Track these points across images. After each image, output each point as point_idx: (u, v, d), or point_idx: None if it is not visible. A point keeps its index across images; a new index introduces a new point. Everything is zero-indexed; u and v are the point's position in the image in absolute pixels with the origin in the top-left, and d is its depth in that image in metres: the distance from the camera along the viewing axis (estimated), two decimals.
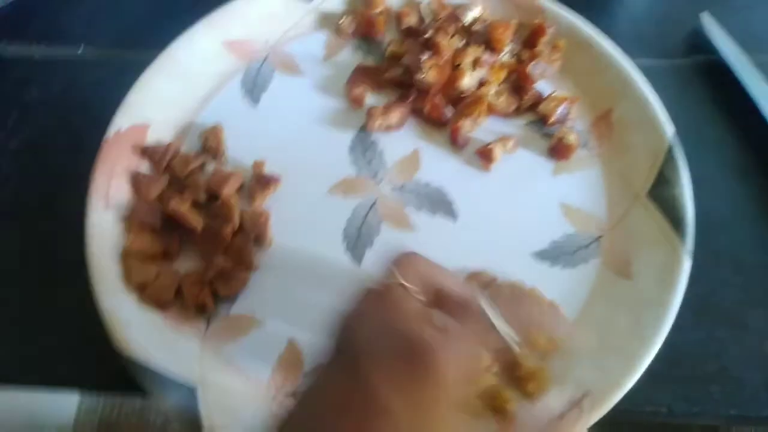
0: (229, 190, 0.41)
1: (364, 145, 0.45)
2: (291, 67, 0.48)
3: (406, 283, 0.30)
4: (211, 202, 0.42)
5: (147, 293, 0.38)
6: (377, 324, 0.28)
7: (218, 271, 0.39)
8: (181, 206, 0.40)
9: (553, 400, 0.36)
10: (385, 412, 0.25)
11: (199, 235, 0.40)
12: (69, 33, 0.53)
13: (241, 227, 0.41)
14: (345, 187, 0.44)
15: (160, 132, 0.44)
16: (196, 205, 0.41)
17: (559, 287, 0.40)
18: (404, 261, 0.32)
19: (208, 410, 0.35)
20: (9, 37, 0.52)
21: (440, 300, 0.30)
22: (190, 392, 0.36)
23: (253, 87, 0.47)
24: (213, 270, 0.39)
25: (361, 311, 0.30)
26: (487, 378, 0.36)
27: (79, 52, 0.51)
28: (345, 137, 0.46)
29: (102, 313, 0.37)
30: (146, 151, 0.43)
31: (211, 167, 0.44)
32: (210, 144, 0.43)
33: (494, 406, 0.36)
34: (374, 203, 0.43)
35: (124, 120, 0.43)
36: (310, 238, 0.42)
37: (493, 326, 0.31)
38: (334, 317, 0.30)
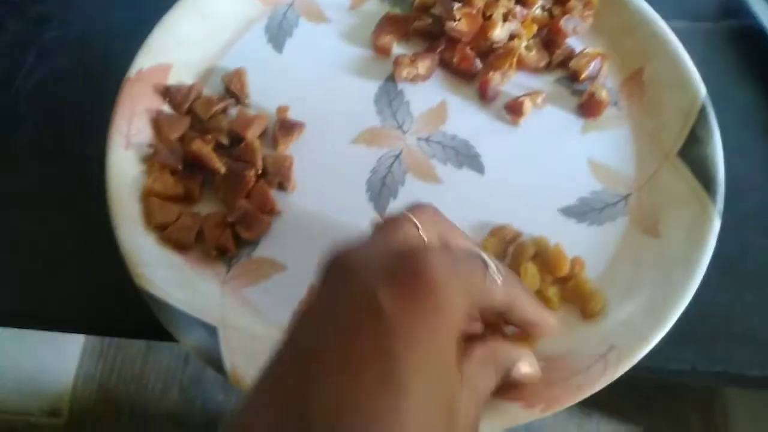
0: (253, 133, 0.40)
1: (390, 95, 0.44)
2: (317, 15, 0.47)
3: (418, 225, 0.29)
4: (234, 146, 0.41)
5: (168, 234, 0.38)
6: (382, 247, 0.27)
7: (241, 214, 0.38)
8: (204, 148, 0.39)
9: (580, 353, 0.35)
10: (395, 332, 0.24)
11: (222, 178, 0.39)
12: None
13: (264, 171, 0.40)
14: (369, 136, 0.43)
15: (183, 74, 0.43)
16: (219, 147, 0.40)
17: (585, 244, 0.40)
18: (421, 208, 0.31)
19: (229, 352, 0.35)
20: None
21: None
22: (212, 333, 0.35)
23: (278, 33, 0.46)
24: (235, 213, 0.38)
25: (368, 239, 0.28)
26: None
27: None
28: (370, 87, 0.45)
29: (123, 252, 0.37)
30: (168, 92, 0.42)
31: (234, 111, 0.43)
32: (234, 87, 0.42)
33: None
34: (399, 154, 0.42)
35: (146, 60, 0.42)
36: (332, 186, 0.41)
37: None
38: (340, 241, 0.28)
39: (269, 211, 0.39)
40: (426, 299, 0.24)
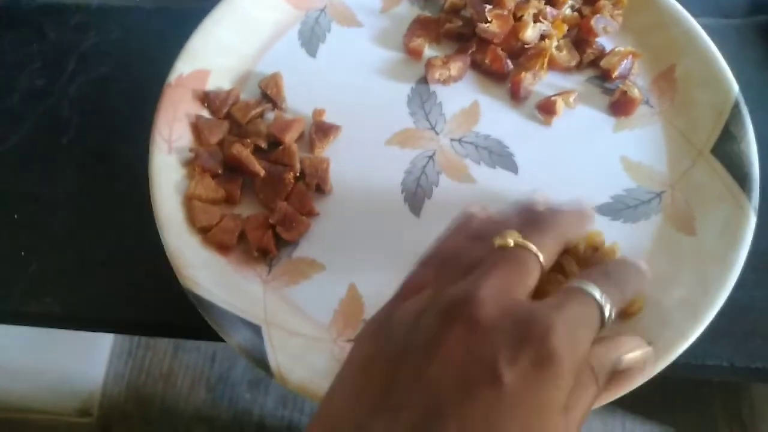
0: (291, 137, 0.41)
1: (422, 96, 0.45)
2: (349, 19, 0.48)
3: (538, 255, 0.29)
4: (272, 149, 0.42)
5: (211, 236, 0.39)
6: (507, 301, 0.26)
7: (281, 216, 0.39)
8: (243, 152, 0.40)
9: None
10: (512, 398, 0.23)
11: (261, 180, 0.40)
12: None
13: (301, 174, 0.41)
14: (403, 138, 0.44)
15: (220, 79, 0.44)
16: (257, 151, 0.41)
17: (620, 241, 0.39)
18: (534, 221, 0.31)
19: (273, 351, 0.36)
20: None
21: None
22: (257, 332, 0.36)
23: (311, 37, 0.47)
24: (276, 215, 0.39)
25: (492, 276, 0.27)
26: None
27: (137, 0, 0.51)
28: (403, 89, 0.45)
29: (169, 254, 0.38)
30: (207, 97, 0.43)
31: (271, 115, 0.44)
32: (270, 91, 0.43)
33: None
34: (433, 155, 0.43)
35: (185, 65, 0.43)
36: (367, 187, 0.42)
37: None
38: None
39: (308, 212, 0.40)
40: (545, 372, 0.24)
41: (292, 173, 0.40)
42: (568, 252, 0.39)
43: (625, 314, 0.37)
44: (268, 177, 0.40)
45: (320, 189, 0.41)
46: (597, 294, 0.27)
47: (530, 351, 0.24)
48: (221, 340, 0.36)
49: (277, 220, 0.39)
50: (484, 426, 0.23)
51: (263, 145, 0.41)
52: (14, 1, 0.52)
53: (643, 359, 0.30)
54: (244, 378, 1.15)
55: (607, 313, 0.27)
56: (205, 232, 0.39)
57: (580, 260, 0.39)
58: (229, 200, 0.41)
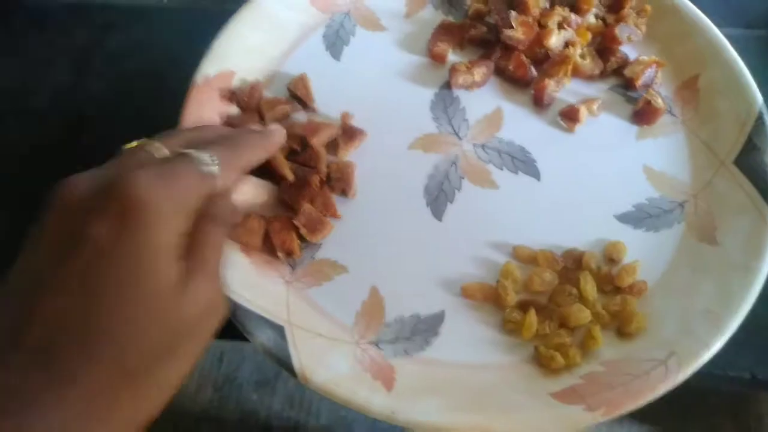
0: (319, 140, 0.41)
1: (445, 101, 0.45)
2: (373, 23, 0.48)
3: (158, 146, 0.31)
4: (300, 150, 0.42)
5: (235, 235, 0.39)
6: (103, 174, 0.28)
7: (306, 218, 0.39)
8: (279, 157, 0.40)
9: (639, 358, 0.36)
10: (95, 249, 0.25)
11: (286, 182, 0.40)
12: None
13: (327, 177, 0.41)
14: (426, 142, 0.44)
15: (246, 79, 0.45)
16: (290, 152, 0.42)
17: (642, 250, 0.40)
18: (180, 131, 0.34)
19: (297, 351, 0.36)
20: None
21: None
22: (280, 333, 0.36)
23: (335, 41, 0.48)
24: (302, 217, 0.39)
25: (101, 167, 0.29)
26: (583, 315, 0.37)
27: (164, 0, 0.52)
28: (427, 93, 0.46)
29: None
30: (234, 95, 0.43)
31: (299, 116, 0.44)
32: (300, 92, 0.43)
33: (582, 343, 0.37)
34: (456, 160, 0.43)
35: (211, 67, 0.43)
36: (390, 191, 0.42)
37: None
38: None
39: (332, 215, 0.40)
40: (132, 218, 0.26)
41: (318, 176, 0.40)
42: (583, 265, 0.39)
43: (624, 334, 0.37)
44: (294, 179, 0.40)
45: (344, 193, 0.41)
46: (199, 154, 0.30)
47: (115, 205, 0.26)
48: (233, 338, 0.36)
49: (303, 223, 0.39)
50: (79, 282, 0.25)
51: (297, 147, 0.42)
52: (40, 0, 0.52)
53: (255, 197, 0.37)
54: (251, 378, 1.15)
55: (213, 170, 0.30)
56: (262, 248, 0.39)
57: (596, 273, 0.39)
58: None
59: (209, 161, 0.30)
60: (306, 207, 0.39)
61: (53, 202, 0.27)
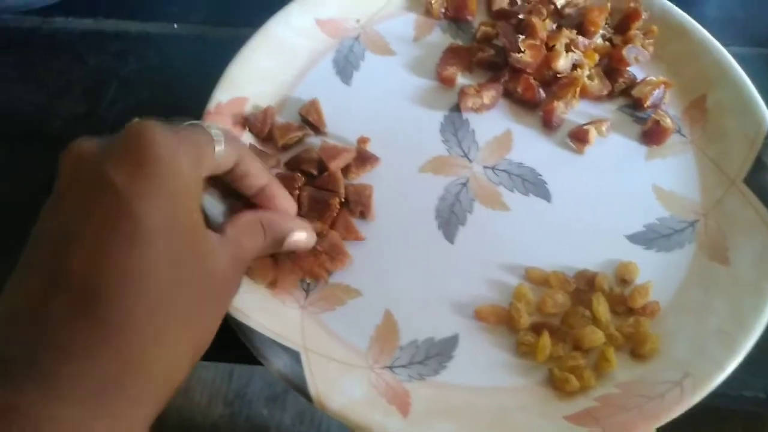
0: (337, 165, 0.42)
1: (455, 124, 0.46)
2: (382, 47, 0.49)
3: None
4: (313, 175, 0.42)
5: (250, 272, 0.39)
6: (107, 138, 0.28)
7: (329, 245, 0.39)
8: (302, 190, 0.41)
9: (653, 380, 0.36)
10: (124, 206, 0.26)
11: (308, 206, 0.41)
12: (161, 11, 0.54)
13: (345, 200, 0.41)
14: (436, 165, 0.44)
15: (258, 105, 0.45)
16: (305, 175, 0.42)
17: (653, 270, 0.40)
18: None
19: (312, 377, 0.36)
20: (105, 12, 0.54)
21: None
22: (295, 358, 0.37)
23: (345, 66, 0.48)
24: (326, 243, 0.39)
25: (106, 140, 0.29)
26: (597, 337, 0.37)
27: (175, 27, 0.53)
28: (436, 116, 0.46)
29: None
30: (247, 121, 0.44)
31: (312, 141, 0.45)
32: (312, 118, 0.44)
33: (596, 365, 0.37)
34: (466, 182, 0.44)
35: (224, 94, 0.44)
36: (402, 214, 0.42)
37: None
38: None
39: (354, 238, 0.41)
40: (152, 166, 0.26)
41: (337, 199, 0.41)
42: (596, 286, 0.39)
43: (638, 355, 0.37)
44: (313, 202, 0.41)
45: (363, 215, 0.41)
46: (208, 124, 0.32)
47: (132, 153, 0.27)
48: (248, 362, 0.36)
49: (326, 249, 0.39)
50: (109, 231, 0.25)
51: (314, 171, 0.42)
52: (55, 28, 0.53)
53: (306, 242, 0.37)
54: (261, 394, 1.15)
55: (220, 140, 0.31)
56: (273, 285, 0.40)
57: (609, 294, 0.39)
58: None
59: (217, 133, 0.31)
60: (332, 234, 0.40)
61: (67, 160, 0.28)
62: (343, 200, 0.41)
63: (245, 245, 0.33)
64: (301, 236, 0.36)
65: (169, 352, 0.27)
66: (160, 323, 0.26)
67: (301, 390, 0.35)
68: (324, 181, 0.41)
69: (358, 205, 0.41)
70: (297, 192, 0.41)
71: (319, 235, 0.40)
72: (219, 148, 0.31)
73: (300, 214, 0.41)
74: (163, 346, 0.26)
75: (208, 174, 0.31)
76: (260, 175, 0.35)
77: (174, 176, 0.27)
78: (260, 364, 0.36)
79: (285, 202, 0.37)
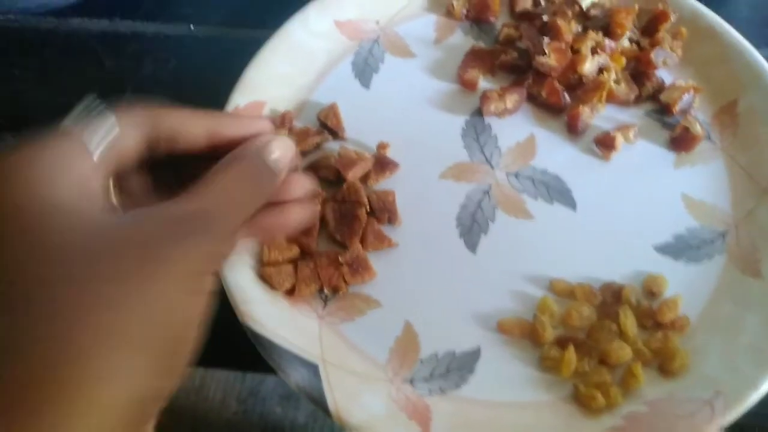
0: (354, 174, 0.41)
1: (477, 129, 0.45)
2: (402, 50, 0.48)
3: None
4: (334, 184, 0.42)
5: (266, 275, 0.38)
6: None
7: (353, 257, 0.39)
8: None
9: (683, 398, 0.35)
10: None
11: (335, 221, 0.40)
12: (178, 12, 0.53)
13: (371, 208, 0.41)
14: (458, 171, 0.43)
15: (277, 109, 0.45)
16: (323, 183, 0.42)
17: (682, 283, 0.39)
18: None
19: (331, 390, 0.35)
20: (121, 13, 0.53)
21: None
22: (314, 372, 0.36)
23: (364, 68, 0.47)
24: (348, 255, 0.39)
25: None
26: (624, 352, 0.36)
27: (192, 28, 0.52)
28: (457, 121, 0.45)
29: (227, 289, 0.37)
30: None
31: (331, 145, 0.44)
32: (330, 122, 0.43)
33: (623, 382, 0.36)
34: (489, 189, 0.42)
35: (242, 97, 0.43)
36: (422, 222, 0.41)
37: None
38: None
39: (387, 245, 0.40)
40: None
41: (363, 208, 0.40)
42: (623, 299, 0.38)
43: (667, 372, 0.36)
44: (340, 216, 0.40)
45: (391, 221, 0.41)
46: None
47: None
48: (262, 371, 0.36)
49: (347, 261, 0.38)
50: None
51: (332, 178, 0.41)
52: (72, 29, 0.52)
53: (282, 159, 0.29)
54: (275, 392, 1.15)
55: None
56: (291, 293, 0.39)
57: (636, 307, 0.38)
58: (304, 251, 0.40)
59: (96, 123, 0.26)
60: (357, 247, 0.39)
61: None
62: (368, 209, 0.40)
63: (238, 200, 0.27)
64: (275, 155, 0.29)
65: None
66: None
67: (320, 403, 0.35)
68: (345, 193, 0.40)
69: (383, 212, 0.40)
70: (319, 207, 0.40)
71: (342, 245, 0.39)
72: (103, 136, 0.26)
73: (328, 229, 0.40)
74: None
75: (112, 170, 0.26)
76: (197, 125, 0.29)
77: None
78: (275, 373, 0.36)
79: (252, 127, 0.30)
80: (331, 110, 0.44)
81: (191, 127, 0.29)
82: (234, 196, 0.26)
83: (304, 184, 0.31)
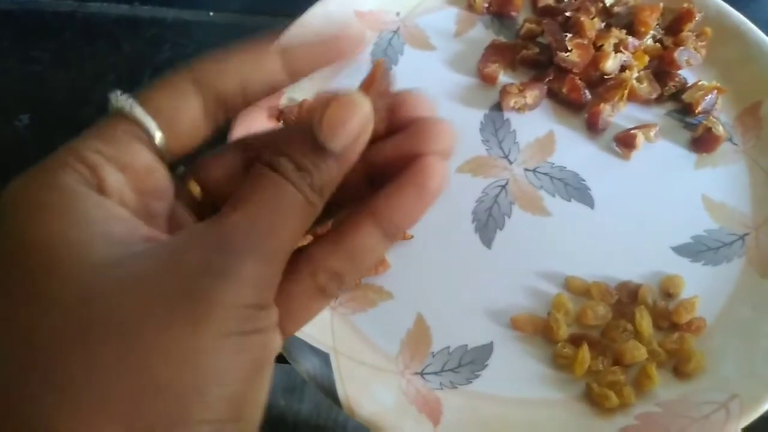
0: None
1: (495, 124, 0.44)
2: (422, 42, 0.48)
3: None
4: None
5: None
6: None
7: None
8: None
9: (698, 400, 0.34)
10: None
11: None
12: None
13: None
14: (475, 166, 0.43)
15: (295, 98, 0.44)
16: None
17: (700, 285, 0.38)
18: None
19: (342, 380, 0.35)
20: None
21: None
22: (325, 361, 0.36)
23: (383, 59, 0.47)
24: None
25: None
26: (639, 353, 0.35)
27: (210, 14, 0.52)
28: (476, 115, 0.45)
29: None
30: (282, 114, 0.43)
31: None
32: None
33: (637, 382, 0.35)
34: (506, 184, 0.42)
35: None
36: (437, 215, 0.40)
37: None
38: None
39: (402, 238, 0.39)
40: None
41: None
42: (639, 299, 0.37)
43: (682, 373, 0.36)
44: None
45: None
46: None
47: None
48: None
49: None
50: None
51: None
52: (90, 13, 0.52)
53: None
54: (278, 384, 1.15)
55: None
56: None
57: (652, 308, 0.37)
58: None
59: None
60: None
61: None
62: None
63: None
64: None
65: None
66: None
67: (330, 393, 0.35)
68: None
69: None
70: None
71: None
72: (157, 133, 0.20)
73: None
74: None
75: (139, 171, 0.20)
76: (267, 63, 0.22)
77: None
78: (286, 362, 0.35)
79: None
80: None
81: (260, 66, 0.22)
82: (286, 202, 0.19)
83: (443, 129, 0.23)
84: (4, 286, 0.17)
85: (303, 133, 0.20)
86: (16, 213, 0.18)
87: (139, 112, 0.20)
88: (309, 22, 0.45)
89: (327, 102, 0.19)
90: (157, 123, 0.20)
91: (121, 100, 0.20)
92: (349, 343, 0.37)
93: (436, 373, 0.36)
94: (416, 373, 0.36)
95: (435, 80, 0.46)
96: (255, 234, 0.18)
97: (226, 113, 0.22)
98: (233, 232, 0.18)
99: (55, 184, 0.19)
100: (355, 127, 0.20)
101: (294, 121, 0.43)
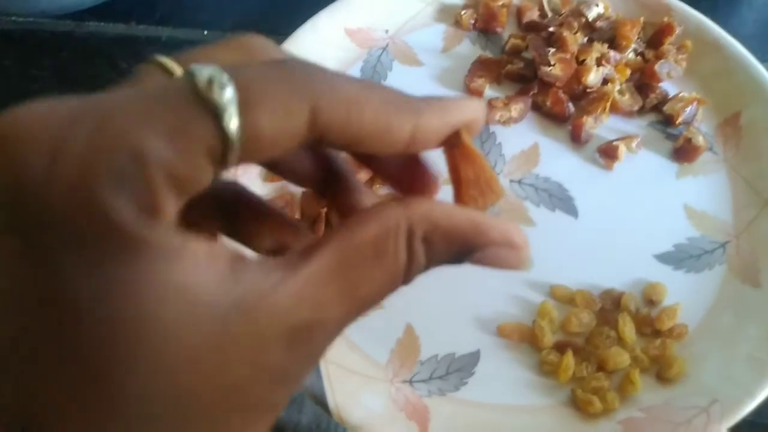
0: (360, 178, 0.42)
1: (482, 137, 0.45)
2: (410, 58, 0.49)
3: None
4: None
5: None
6: None
7: None
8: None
9: (679, 405, 0.35)
10: None
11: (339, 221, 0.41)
12: (192, 18, 0.55)
13: None
14: None
15: None
16: None
17: (682, 292, 0.39)
18: None
19: (332, 389, 0.36)
20: (137, 18, 0.54)
21: None
22: (315, 369, 0.36)
23: (372, 76, 0.48)
24: None
25: None
26: (622, 359, 0.36)
27: (205, 34, 0.53)
28: None
29: None
30: None
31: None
32: None
33: (620, 388, 0.36)
34: None
35: None
36: None
37: None
38: None
39: None
40: None
41: None
42: (622, 306, 0.38)
43: (664, 379, 0.36)
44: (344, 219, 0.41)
45: None
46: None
47: None
48: None
49: None
50: None
51: None
52: (88, 32, 0.54)
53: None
54: None
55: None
56: None
57: (635, 315, 0.38)
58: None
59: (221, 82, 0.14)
60: None
61: None
62: None
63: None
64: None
65: None
66: None
67: (320, 401, 0.35)
68: None
69: None
70: (324, 212, 0.41)
71: None
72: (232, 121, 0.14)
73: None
74: None
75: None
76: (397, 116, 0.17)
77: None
78: None
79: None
80: None
81: (387, 119, 0.16)
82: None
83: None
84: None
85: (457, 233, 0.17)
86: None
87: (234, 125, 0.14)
88: (300, 39, 0.47)
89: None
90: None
91: (216, 88, 0.14)
92: (339, 351, 0.38)
93: (424, 381, 0.37)
94: (405, 381, 0.37)
95: (423, 95, 0.47)
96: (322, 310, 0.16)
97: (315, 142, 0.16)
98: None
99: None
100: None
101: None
